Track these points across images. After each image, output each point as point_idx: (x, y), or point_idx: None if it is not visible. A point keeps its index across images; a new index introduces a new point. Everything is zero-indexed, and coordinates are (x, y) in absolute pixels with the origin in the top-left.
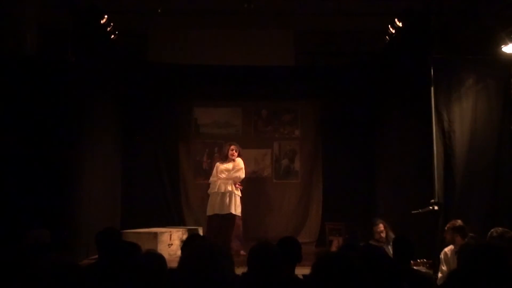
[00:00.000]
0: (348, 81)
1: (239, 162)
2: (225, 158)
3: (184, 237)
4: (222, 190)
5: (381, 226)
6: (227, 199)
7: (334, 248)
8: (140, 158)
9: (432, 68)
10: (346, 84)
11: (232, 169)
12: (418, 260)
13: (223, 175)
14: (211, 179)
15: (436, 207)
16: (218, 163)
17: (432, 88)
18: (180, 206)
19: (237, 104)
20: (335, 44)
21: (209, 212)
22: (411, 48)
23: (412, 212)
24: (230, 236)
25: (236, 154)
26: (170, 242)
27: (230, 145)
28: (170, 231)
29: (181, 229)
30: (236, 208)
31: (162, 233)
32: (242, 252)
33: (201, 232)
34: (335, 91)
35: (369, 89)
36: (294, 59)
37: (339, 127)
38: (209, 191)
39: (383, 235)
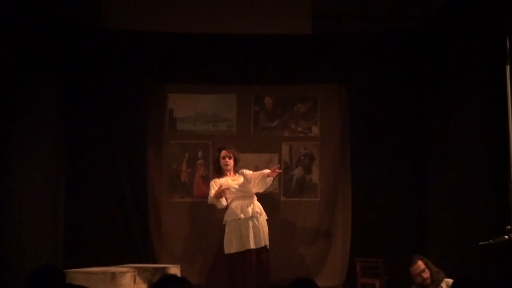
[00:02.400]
0: (389, 56)
1: (249, 172)
2: (218, 171)
3: (155, 279)
4: (250, 214)
5: (420, 265)
6: (260, 226)
7: None
8: (92, 167)
9: (508, 38)
10: (386, 61)
11: (242, 184)
12: None
13: (234, 190)
14: (220, 201)
15: None
16: (216, 180)
17: (508, 67)
18: (149, 235)
19: (230, 88)
20: (370, 4)
21: (232, 248)
22: (479, 9)
23: (480, 243)
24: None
25: (231, 162)
26: (134, 286)
27: (220, 150)
28: (134, 271)
29: (149, 268)
30: (267, 238)
31: (123, 273)
32: None
33: (178, 272)
34: (371, 70)
35: (418, 67)
36: (311, 25)
37: (376, 122)
38: (226, 219)
39: (426, 275)
